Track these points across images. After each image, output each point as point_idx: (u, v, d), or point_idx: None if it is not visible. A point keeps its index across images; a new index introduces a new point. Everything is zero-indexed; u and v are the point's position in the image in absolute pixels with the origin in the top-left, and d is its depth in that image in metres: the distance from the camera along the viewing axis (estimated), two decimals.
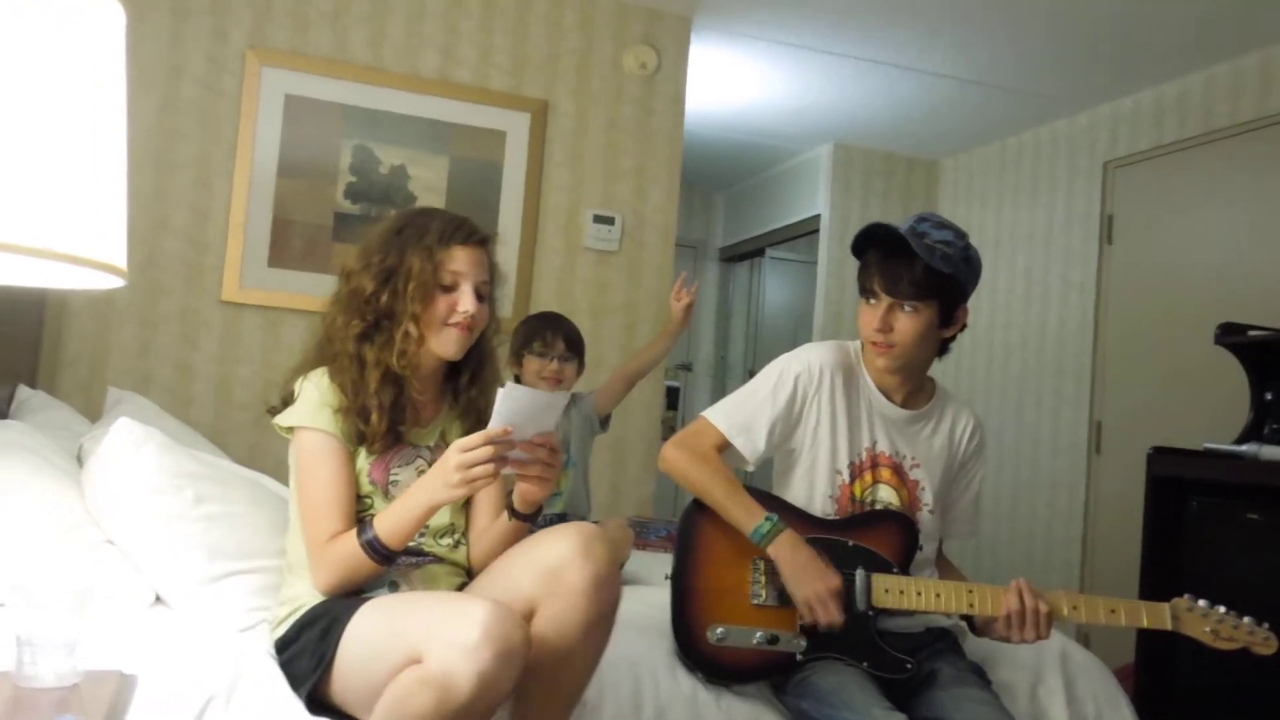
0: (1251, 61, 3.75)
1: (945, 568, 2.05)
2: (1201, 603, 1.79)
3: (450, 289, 1.66)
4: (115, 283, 1.23)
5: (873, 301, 1.90)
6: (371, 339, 1.66)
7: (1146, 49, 3.80)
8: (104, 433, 1.92)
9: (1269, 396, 2.99)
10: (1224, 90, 3.85)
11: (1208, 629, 1.77)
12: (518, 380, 2.71)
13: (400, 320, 1.64)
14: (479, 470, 1.46)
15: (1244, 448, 2.80)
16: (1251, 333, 3.06)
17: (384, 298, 1.65)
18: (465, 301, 1.66)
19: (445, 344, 1.67)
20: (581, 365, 2.74)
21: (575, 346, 2.72)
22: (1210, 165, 3.92)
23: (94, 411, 2.71)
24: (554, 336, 2.68)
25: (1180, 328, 3.89)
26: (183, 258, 3.27)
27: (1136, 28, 3.62)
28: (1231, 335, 3.07)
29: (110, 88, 1.15)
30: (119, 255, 1.20)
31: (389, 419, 1.64)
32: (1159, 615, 1.79)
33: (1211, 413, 3.50)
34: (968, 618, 1.90)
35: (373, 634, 1.47)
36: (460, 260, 1.66)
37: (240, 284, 3.31)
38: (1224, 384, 3.30)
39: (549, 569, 1.50)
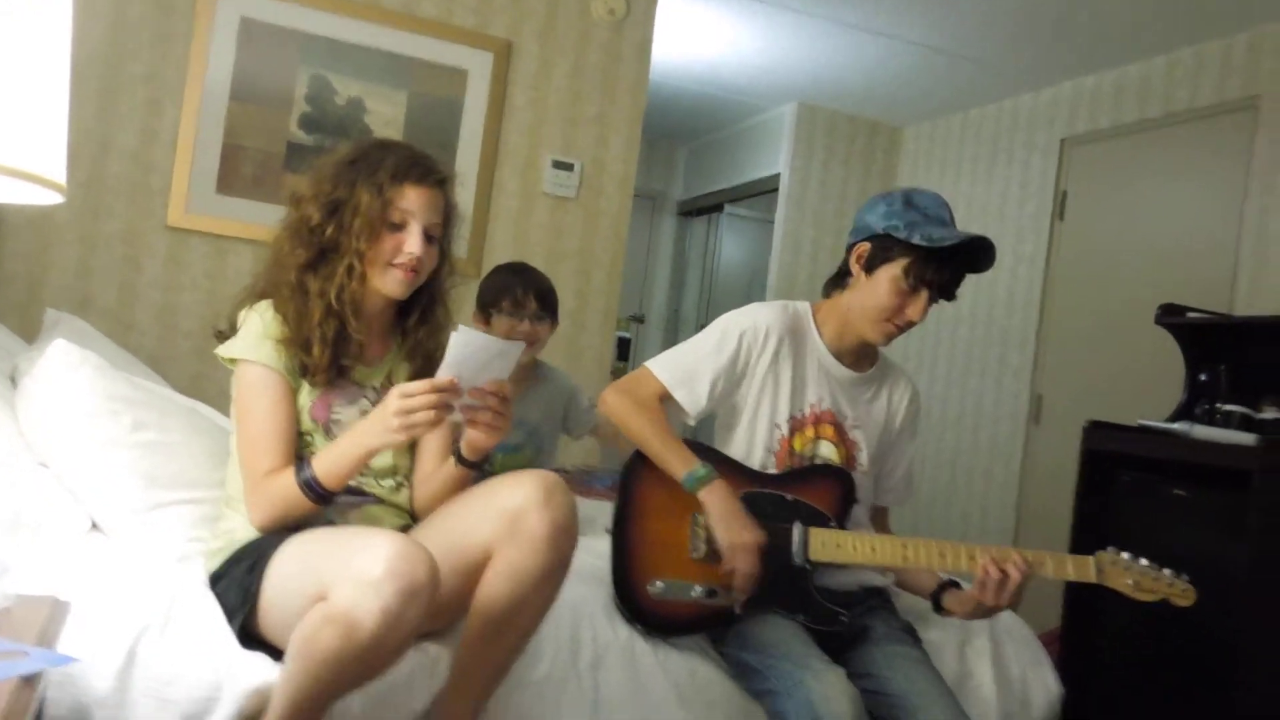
0: (1214, 48, 3.79)
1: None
2: (1124, 555, 1.84)
3: (399, 228, 1.61)
4: (54, 199, 1.19)
5: (922, 292, 1.88)
6: (316, 270, 1.61)
7: (1112, 28, 3.82)
8: (40, 354, 1.87)
9: (1203, 377, 3.07)
10: (1185, 74, 3.90)
11: (1130, 581, 1.81)
12: None
13: (344, 255, 1.60)
14: (419, 417, 1.43)
15: (1176, 426, 2.88)
16: (1190, 314, 3.13)
17: (329, 230, 1.60)
18: (412, 243, 1.61)
19: (389, 284, 1.63)
20: (555, 322, 2.54)
21: (548, 302, 2.50)
22: (1165, 148, 3.98)
23: (30, 332, 2.63)
24: (525, 293, 2.45)
25: (1124, 306, 3.97)
26: (128, 179, 3.18)
27: (1104, 6, 3.64)
28: (1171, 316, 3.15)
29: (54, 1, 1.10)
30: (58, 170, 1.16)
31: (331, 352, 1.61)
32: (1084, 567, 1.83)
33: (1148, 390, 3.59)
34: (936, 600, 1.92)
35: (290, 570, 1.46)
36: (411, 199, 1.61)
37: (186, 209, 3.22)
38: (1162, 363, 3.38)
39: (509, 515, 1.49)
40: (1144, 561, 1.83)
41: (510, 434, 2.43)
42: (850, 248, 1.96)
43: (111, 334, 2.80)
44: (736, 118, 5.82)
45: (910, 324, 1.91)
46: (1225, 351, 3.07)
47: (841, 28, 4.19)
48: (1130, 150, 4.14)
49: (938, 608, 1.93)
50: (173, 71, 3.21)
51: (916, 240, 1.85)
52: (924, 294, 1.88)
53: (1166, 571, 1.83)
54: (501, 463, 2.45)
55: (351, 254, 1.59)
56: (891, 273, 1.88)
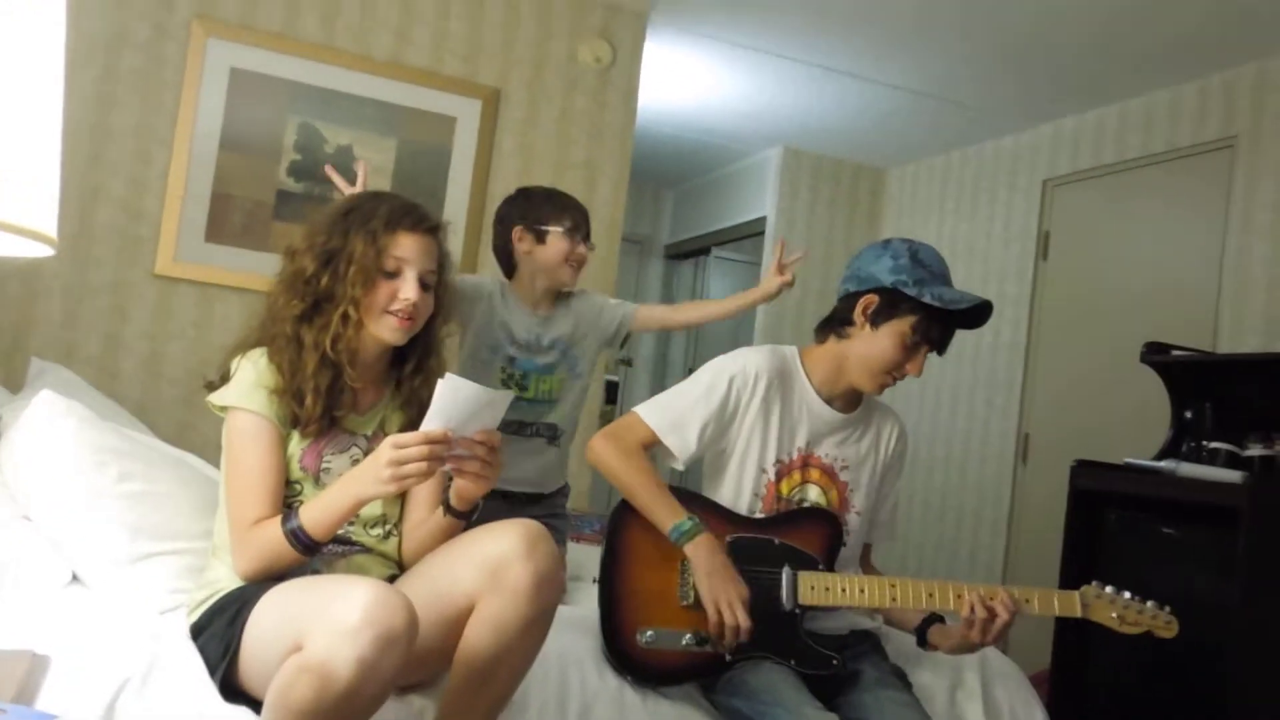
0: (1190, 90, 3.85)
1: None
2: (1108, 589, 1.86)
3: (394, 275, 1.62)
4: (45, 251, 1.19)
5: (923, 348, 1.91)
6: (311, 320, 1.62)
7: (1090, 71, 3.88)
8: (24, 405, 1.86)
9: (1188, 415, 3.08)
10: (1162, 115, 3.95)
11: (1114, 614, 1.84)
12: (517, 257, 2.40)
13: (339, 304, 1.60)
14: (412, 469, 1.42)
15: (1163, 464, 2.88)
16: (1175, 353, 3.15)
17: (324, 280, 1.61)
18: (407, 289, 1.62)
19: (385, 331, 1.64)
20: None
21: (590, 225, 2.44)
22: (1146, 188, 4.03)
23: (15, 383, 2.62)
24: (584, 217, 2.38)
25: (1109, 345, 3.99)
26: (116, 228, 3.19)
27: (1083, 51, 3.70)
28: (1156, 354, 3.16)
29: (48, 53, 1.11)
30: (49, 224, 1.16)
31: (325, 403, 1.61)
32: (1070, 602, 1.85)
33: (1135, 428, 3.60)
34: (921, 635, 1.92)
35: (269, 620, 1.44)
36: (406, 247, 1.63)
37: (175, 258, 3.23)
38: (1148, 401, 3.40)
39: (491, 565, 1.48)
40: (1127, 595, 1.86)
41: (542, 354, 2.38)
42: (852, 296, 1.93)
43: (97, 383, 2.79)
44: (723, 162, 5.87)
45: (904, 377, 1.94)
46: (1210, 389, 3.09)
47: (825, 73, 4.25)
48: (1111, 190, 4.18)
49: (922, 642, 1.92)
50: (163, 121, 3.23)
51: (928, 300, 1.86)
52: (924, 350, 1.91)
53: (1150, 604, 1.85)
54: (535, 384, 2.38)
55: (347, 302, 1.60)
56: (899, 329, 1.89)
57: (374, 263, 1.60)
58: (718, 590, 1.78)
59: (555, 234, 2.36)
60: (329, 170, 2.44)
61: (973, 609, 1.78)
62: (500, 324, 2.36)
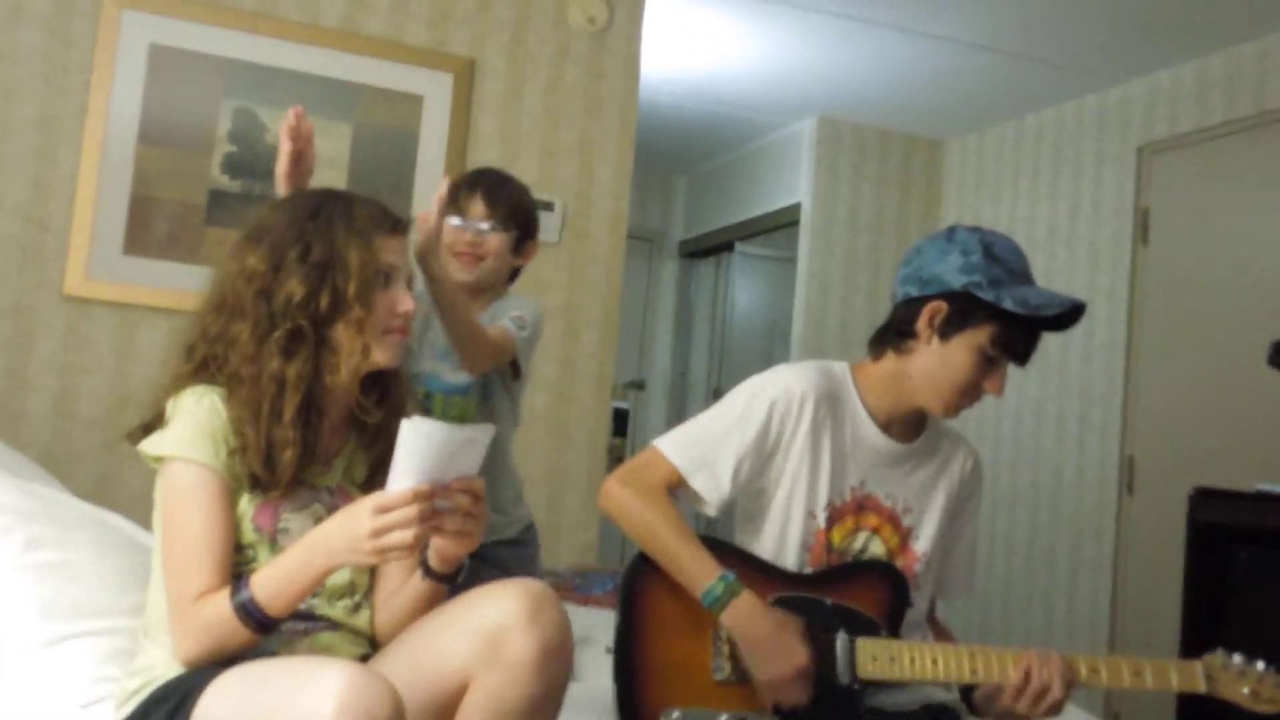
0: None
1: (938, 634, 2.07)
2: (1237, 658, 1.83)
3: (383, 287, 1.64)
4: None
5: (1005, 364, 1.89)
6: (296, 353, 1.61)
7: (1190, 15, 3.88)
8: None
9: None
10: (1278, 64, 3.95)
11: (1246, 690, 1.81)
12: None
13: (345, 328, 1.60)
14: (397, 539, 1.41)
15: None
16: None
17: (323, 301, 1.60)
18: (405, 300, 1.64)
19: (386, 352, 1.65)
20: (522, 239, 2.36)
21: (501, 208, 2.31)
22: (1264, 152, 4.01)
23: None
24: (470, 193, 2.30)
25: (1228, 345, 3.97)
26: (16, 241, 3.21)
27: None
28: None
29: None
30: None
31: (300, 454, 1.60)
32: (1191, 675, 1.83)
33: (1262, 447, 3.59)
34: (965, 696, 1.91)
35: (222, 713, 1.44)
36: (393, 251, 1.65)
37: (88, 274, 3.25)
38: (1277, 413, 3.38)
39: (487, 635, 1.48)
40: (1261, 665, 1.82)
41: (451, 370, 2.28)
42: (913, 302, 1.91)
43: None
44: (745, 138, 5.89)
45: (980, 398, 1.92)
46: None
47: (865, 26, 4.26)
48: (1221, 157, 4.18)
49: (969, 705, 1.92)
50: (69, 112, 3.26)
51: (1009, 306, 1.82)
52: (1004, 364, 1.89)
53: None
54: (443, 406, 2.31)
55: (353, 325, 1.60)
56: (975, 341, 1.86)
57: (374, 274, 1.62)
58: (767, 670, 1.77)
59: (446, 228, 2.26)
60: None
61: (1028, 676, 1.78)
62: (423, 339, 2.30)
